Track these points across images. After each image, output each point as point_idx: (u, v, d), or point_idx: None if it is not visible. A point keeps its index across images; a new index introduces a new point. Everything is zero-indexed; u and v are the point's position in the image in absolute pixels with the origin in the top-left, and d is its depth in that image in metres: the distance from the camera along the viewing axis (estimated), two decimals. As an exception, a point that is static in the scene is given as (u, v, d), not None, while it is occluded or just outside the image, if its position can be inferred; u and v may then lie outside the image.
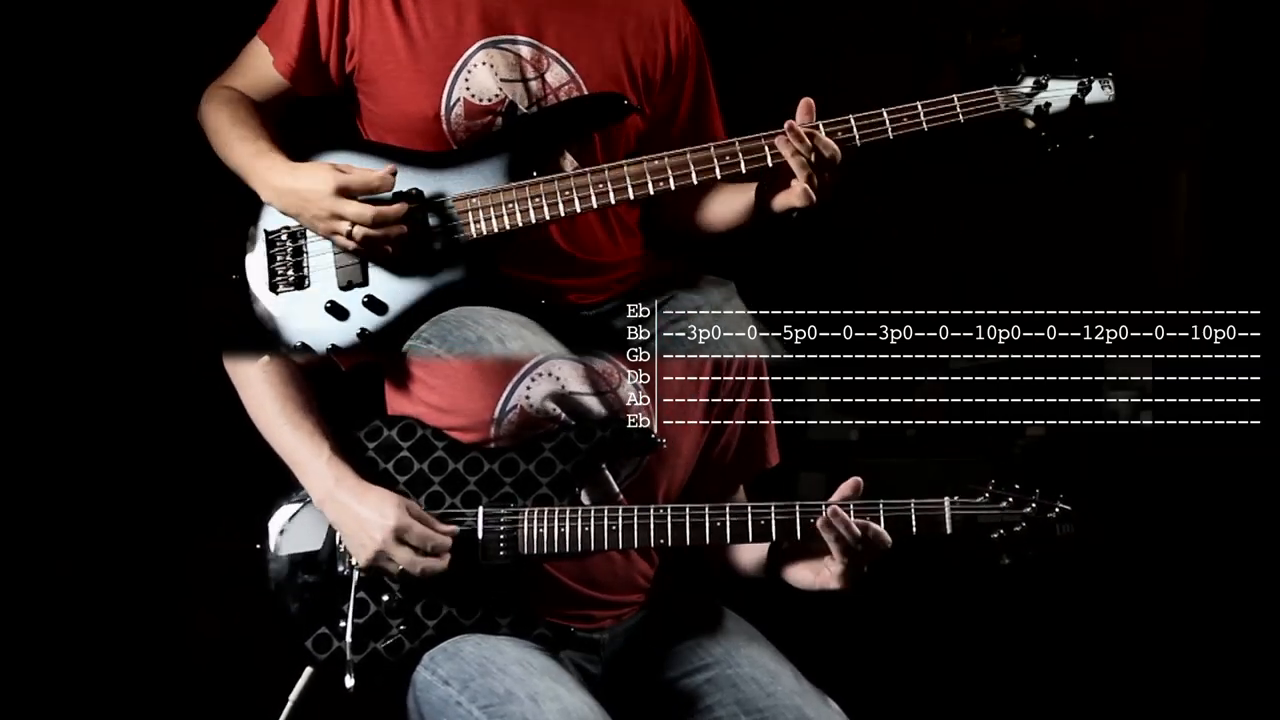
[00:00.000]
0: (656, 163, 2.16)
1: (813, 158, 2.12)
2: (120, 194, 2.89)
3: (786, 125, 2.13)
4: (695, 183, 2.17)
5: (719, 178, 2.17)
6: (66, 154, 2.85)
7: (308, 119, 2.35)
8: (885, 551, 2.09)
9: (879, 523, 2.10)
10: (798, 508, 2.12)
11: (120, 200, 2.89)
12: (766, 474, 2.41)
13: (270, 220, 2.24)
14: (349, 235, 2.15)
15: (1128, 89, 2.19)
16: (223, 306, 2.30)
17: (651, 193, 2.17)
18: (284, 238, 2.23)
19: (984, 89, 2.18)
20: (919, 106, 2.15)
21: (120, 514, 2.92)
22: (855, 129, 2.14)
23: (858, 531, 2.07)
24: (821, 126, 2.14)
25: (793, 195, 2.17)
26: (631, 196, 2.17)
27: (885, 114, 2.15)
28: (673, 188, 2.17)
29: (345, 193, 2.14)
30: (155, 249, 2.89)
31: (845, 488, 2.11)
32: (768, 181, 2.21)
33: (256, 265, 2.24)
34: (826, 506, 2.09)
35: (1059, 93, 2.18)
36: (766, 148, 2.15)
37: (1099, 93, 2.18)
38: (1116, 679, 3.19)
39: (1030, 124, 2.19)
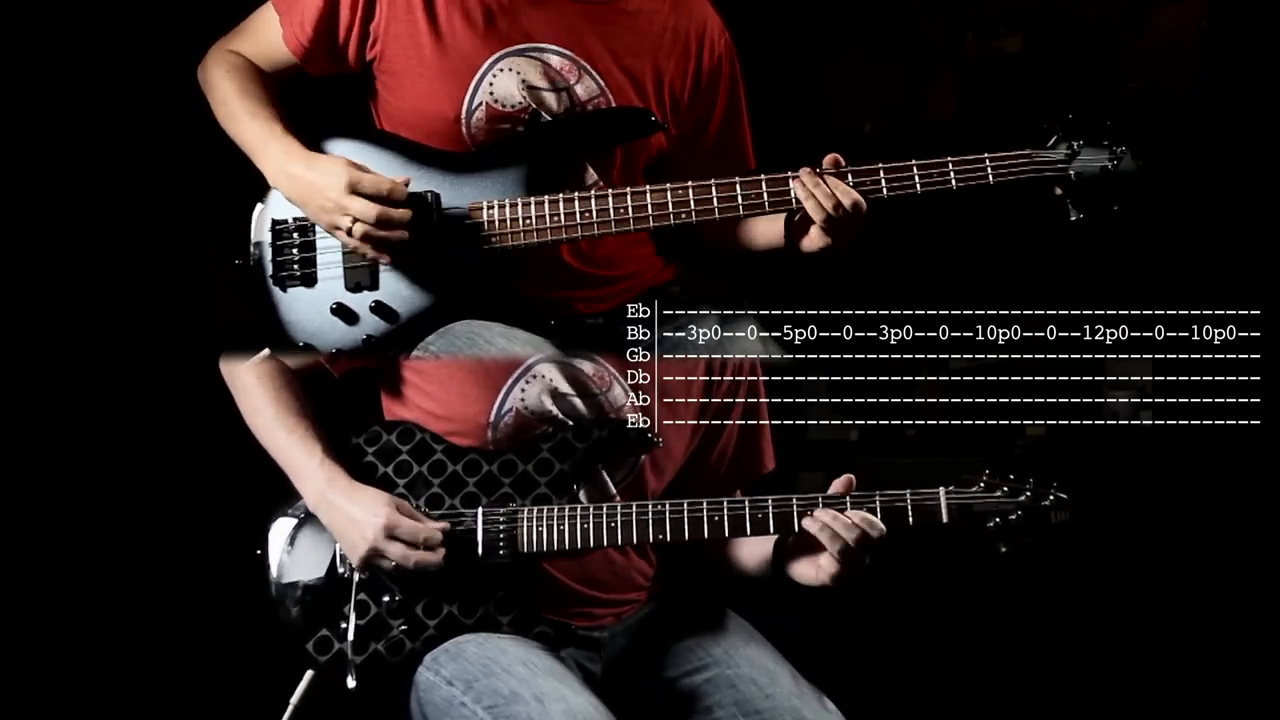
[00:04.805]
0: (680, 194, 2.13)
1: (829, 204, 2.09)
2: (121, 192, 2.89)
3: (802, 171, 2.10)
4: (717, 217, 2.14)
5: (741, 214, 2.14)
6: (60, 147, 2.85)
7: (317, 96, 2.27)
8: (881, 539, 2.08)
9: (875, 514, 2.09)
10: (794, 500, 2.12)
11: (122, 199, 2.89)
12: (766, 476, 2.41)
13: (277, 208, 2.19)
14: (349, 231, 2.10)
15: (1151, 154, 2.14)
16: (227, 294, 2.27)
17: (672, 224, 2.14)
18: (291, 229, 2.19)
19: (1018, 151, 2.13)
20: (949, 163, 2.11)
21: (122, 514, 2.92)
22: (883, 181, 2.11)
23: (847, 520, 2.07)
24: (850, 175, 2.11)
25: (811, 240, 2.16)
26: (652, 226, 2.14)
27: (915, 168, 2.11)
28: (694, 220, 2.13)
29: (355, 189, 2.09)
30: (158, 240, 2.89)
31: (837, 485, 2.11)
32: (793, 219, 2.18)
33: (261, 255, 2.20)
34: (820, 500, 2.09)
35: (1090, 163, 2.13)
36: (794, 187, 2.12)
37: (1127, 163, 2.12)
38: (1117, 679, 3.19)
39: (1058, 190, 2.14)
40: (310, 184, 2.12)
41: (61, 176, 2.85)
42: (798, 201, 2.12)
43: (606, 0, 2.22)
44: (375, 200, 2.09)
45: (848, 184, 2.11)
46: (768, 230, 2.28)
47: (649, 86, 2.24)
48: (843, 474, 2.14)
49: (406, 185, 2.12)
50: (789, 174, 2.13)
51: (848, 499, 2.10)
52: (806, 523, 2.09)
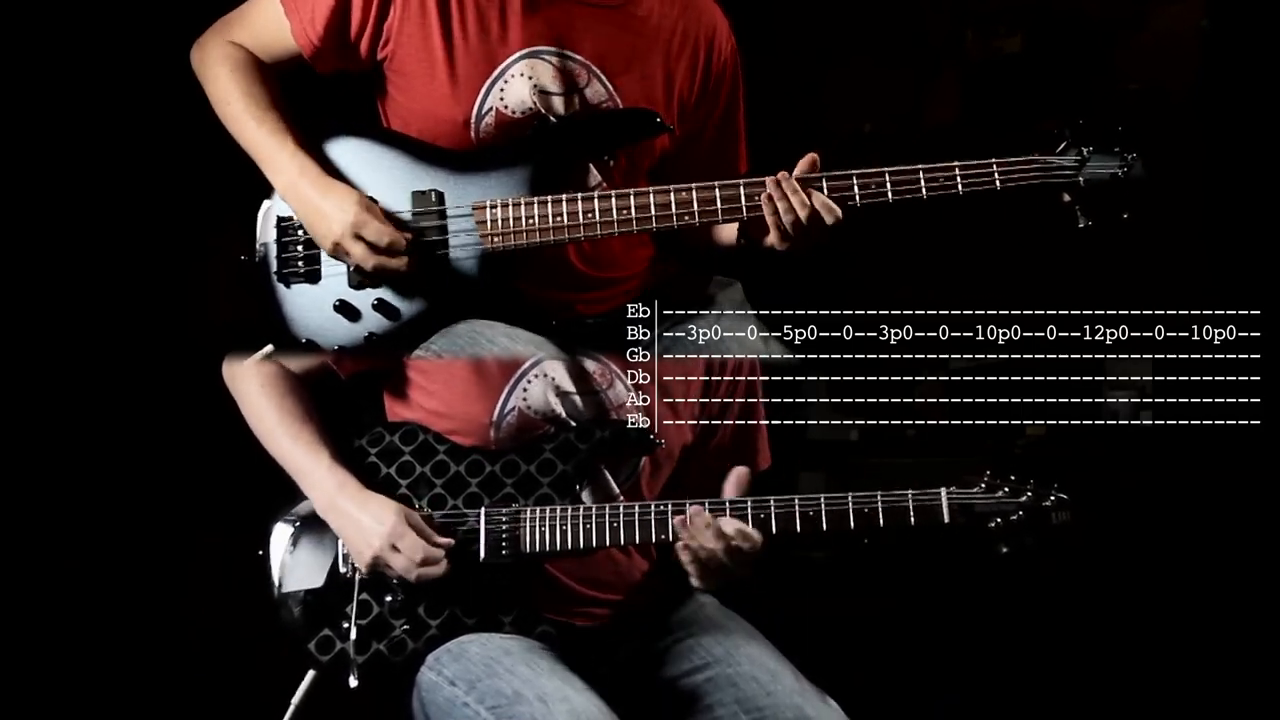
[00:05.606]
0: (683, 195, 2.13)
1: (800, 214, 2.08)
2: (126, 188, 2.89)
3: (778, 176, 2.10)
4: (720, 219, 2.15)
5: (745, 215, 2.14)
6: (63, 142, 2.85)
7: (323, 91, 2.26)
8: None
9: (877, 515, 2.10)
10: (796, 501, 2.13)
11: (127, 194, 2.89)
12: (765, 475, 2.40)
13: (284, 205, 2.19)
14: (348, 265, 2.15)
15: (1160, 163, 2.13)
16: (230, 290, 2.27)
17: (675, 226, 2.14)
18: (297, 226, 2.19)
19: (1026, 157, 2.11)
20: (956, 169, 2.10)
21: (123, 513, 2.93)
22: (889, 186, 2.11)
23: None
24: (826, 182, 2.10)
25: (769, 241, 2.15)
26: (654, 227, 2.15)
27: (921, 173, 2.11)
28: (697, 223, 2.14)
29: (359, 234, 2.12)
30: (162, 236, 2.90)
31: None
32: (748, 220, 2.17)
33: (267, 251, 2.20)
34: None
35: (1100, 170, 2.11)
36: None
37: (1138, 170, 2.10)
38: (1117, 679, 3.19)
39: (1066, 197, 2.12)
40: (319, 211, 2.14)
41: (65, 173, 2.86)
42: (751, 209, 2.12)
43: (617, 4, 2.23)
44: (374, 250, 2.12)
45: (822, 192, 2.10)
46: (731, 231, 2.29)
47: (658, 90, 2.24)
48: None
49: (408, 242, 2.13)
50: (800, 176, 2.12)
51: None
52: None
